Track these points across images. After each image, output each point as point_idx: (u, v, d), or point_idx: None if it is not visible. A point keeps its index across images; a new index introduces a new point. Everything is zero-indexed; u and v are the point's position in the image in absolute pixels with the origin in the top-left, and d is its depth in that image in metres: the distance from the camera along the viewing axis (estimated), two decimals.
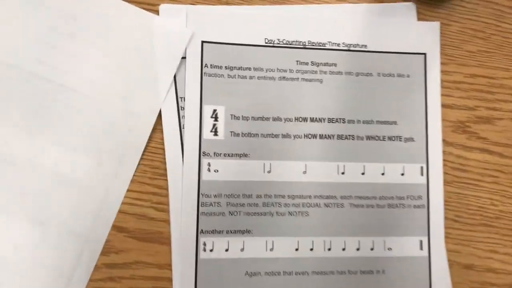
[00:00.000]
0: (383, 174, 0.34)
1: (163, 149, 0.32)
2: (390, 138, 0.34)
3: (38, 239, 0.30)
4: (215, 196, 0.32)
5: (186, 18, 0.33)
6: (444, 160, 0.35)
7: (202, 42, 0.33)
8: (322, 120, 0.34)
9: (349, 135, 0.34)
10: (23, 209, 0.30)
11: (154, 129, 0.32)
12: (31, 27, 0.31)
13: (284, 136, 0.33)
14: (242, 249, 0.32)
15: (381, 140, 0.34)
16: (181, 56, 0.33)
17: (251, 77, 0.33)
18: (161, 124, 0.32)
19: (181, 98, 0.33)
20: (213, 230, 0.32)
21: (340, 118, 0.34)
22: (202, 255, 0.31)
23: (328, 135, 0.34)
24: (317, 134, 0.34)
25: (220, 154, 0.32)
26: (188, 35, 0.33)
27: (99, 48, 0.32)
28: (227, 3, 0.35)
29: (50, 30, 0.31)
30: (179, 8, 0.33)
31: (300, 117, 0.34)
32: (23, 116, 0.31)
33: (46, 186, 0.30)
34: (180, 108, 0.33)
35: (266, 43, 0.34)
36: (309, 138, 0.34)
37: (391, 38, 0.35)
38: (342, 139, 0.34)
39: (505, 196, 0.35)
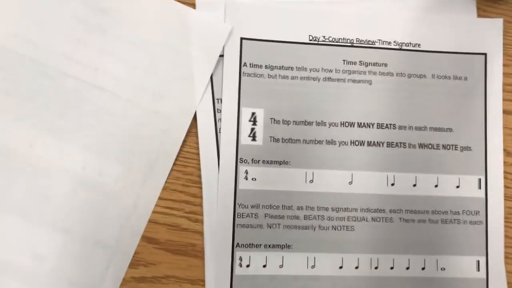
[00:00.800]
0: (436, 186, 0.31)
1: (198, 154, 0.30)
2: (444, 147, 0.32)
3: (61, 249, 0.28)
4: (252, 206, 0.30)
5: (224, 12, 0.31)
6: (505, 172, 0.32)
7: (241, 38, 0.31)
8: (371, 126, 0.32)
9: (400, 143, 0.32)
10: (46, 215, 0.29)
11: (188, 133, 0.31)
12: (57, 20, 0.30)
13: (328, 142, 0.31)
14: (281, 265, 0.30)
15: (435, 148, 0.32)
16: (218, 54, 0.31)
17: (293, 77, 0.31)
18: (196, 128, 0.31)
19: (217, 99, 0.31)
20: (250, 244, 0.30)
21: (390, 124, 0.32)
22: (238, 270, 0.29)
23: (377, 142, 0.31)
24: (365, 141, 0.31)
25: (259, 161, 0.30)
26: (226, 31, 0.31)
27: (131, 44, 0.30)
28: None
29: (77, 24, 0.30)
30: (218, 2, 0.32)
31: (347, 122, 0.31)
32: (48, 116, 0.29)
33: (71, 191, 0.29)
34: (216, 110, 0.31)
35: (310, 40, 0.32)
36: (356, 145, 0.31)
37: (448, 37, 0.33)
38: (392, 146, 0.31)
39: None
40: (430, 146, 0.32)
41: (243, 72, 0.31)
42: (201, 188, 0.30)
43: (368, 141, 0.32)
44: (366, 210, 0.31)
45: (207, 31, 0.31)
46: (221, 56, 0.31)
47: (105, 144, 0.29)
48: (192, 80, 0.30)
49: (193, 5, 0.32)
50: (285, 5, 0.32)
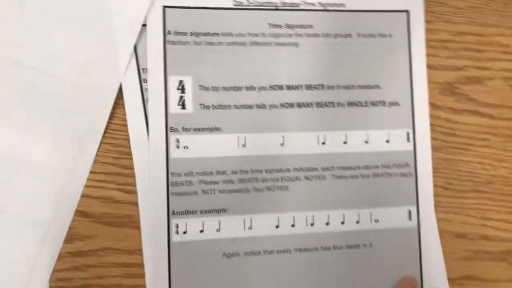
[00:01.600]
0: (366, 142, 0.33)
1: (127, 126, 0.31)
2: (373, 103, 0.34)
3: None
4: (186, 174, 0.31)
5: None
6: (431, 124, 0.35)
7: (164, 7, 0.32)
8: (300, 87, 0.33)
9: (329, 102, 0.33)
10: None
11: (116, 105, 0.31)
12: None
13: (258, 106, 0.32)
14: (218, 229, 0.31)
15: (363, 105, 0.33)
16: (141, 24, 0.31)
17: (219, 43, 0.32)
18: (123, 99, 0.31)
19: (143, 69, 0.32)
20: (185, 211, 0.31)
21: (318, 84, 0.33)
22: (175, 237, 0.31)
23: (307, 103, 0.33)
24: (294, 103, 0.33)
25: (189, 129, 0.31)
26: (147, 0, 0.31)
27: (51, 17, 0.30)
28: None
29: None
30: None
31: (276, 85, 0.33)
32: None
33: (2, 169, 0.29)
34: (142, 80, 0.31)
35: (234, 5, 0.33)
36: (286, 107, 0.33)
37: None
38: (321, 106, 0.33)
39: (497, 159, 0.35)
40: (358, 103, 0.34)
41: (168, 40, 0.32)
42: (132, 159, 0.31)
43: (297, 103, 0.33)
44: (299, 169, 0.32)
45: (128, 1, 0.31)
46: (144, 25, 0.32)
47: (31, 120, 0.30)
48: (116, 51, 0.31)
49: None
50: None
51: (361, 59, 0.34)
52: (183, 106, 0.31)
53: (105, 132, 0.31)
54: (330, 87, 0.33)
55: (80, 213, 0.30)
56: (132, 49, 0.31)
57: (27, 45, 0.30)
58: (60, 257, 0.30)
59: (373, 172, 0.33)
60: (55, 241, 0.30)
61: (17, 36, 0.30)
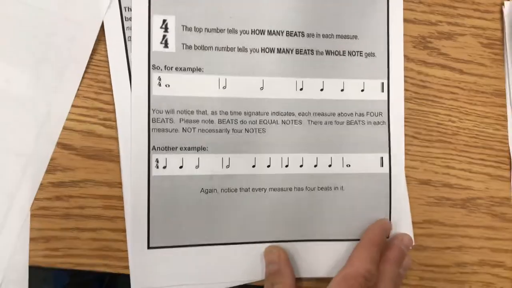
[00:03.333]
0: (342, 90, 0.37)
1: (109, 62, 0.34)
2: (350, 53, 0.37)
3: None
4: (167, 112, 0.34)
5: None
6: (404, 76, 0.39)
7: None
8: (280, 33, 0.36)
9: (308, 50, 0.37)
10: None
11: (98, 41, 0.34)
12: None
13: (240, 49, 0.36)
14: (197, 166, 0.35)
15: (341, 55, 0.37)
16: None
17: None
18: (105, 36, 0.34)
19: (125, 7, 0.34)
20: (166, 147, 0.34)
21: (299, 32, 0.37)
22: (155, 172, 0.34)
23: (287, 49, 0.37)
24: (274, 48, 0.36)
25: (172, 68, 0.35)
26: None
27: None
28: None
29: None
30: None
31: (257, 30, 0.36)
32: None
33: None
34: (124, 18, 0.34)
35: None
36: (267, 52, 0.36)
37: None
38: (301, 53, 0.37)
39: (463, 112, 0.40)
40: (336, 52, 0.37)
41: None
42: (113, 95, 0.34)
43: (278, 48, 0.37)
44: (277, 113, 0.36)
45: None
46: None
47: (13, 52, 0.32)
48: None
49: None
50: None
51: (341, 10, 0.37)
52: (166, 45, 0.35)
53: (87, 67, 0.34)
54: (310, 35, 0.37)
55: (62, 145, 0.33)
56: None
57: None
58: (42, 186, 0.33)
59: (347, 119, 0.37)
60: (36, 170, 0.33)
61: None
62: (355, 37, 0.37)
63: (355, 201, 0.37)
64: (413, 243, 0.37)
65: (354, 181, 0.37)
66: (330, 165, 0.36)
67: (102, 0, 0.33)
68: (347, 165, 0.37)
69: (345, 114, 0.37)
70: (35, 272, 0.32)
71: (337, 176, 0.37)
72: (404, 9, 0.39)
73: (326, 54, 0.37)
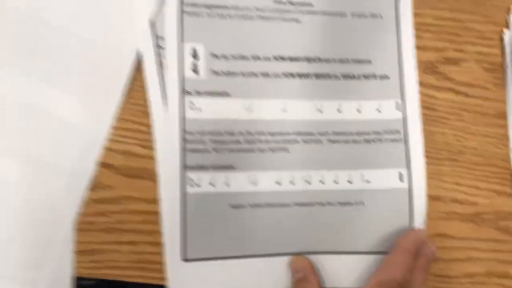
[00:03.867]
0: (359, 111, 0.42)
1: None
2: (365, 76, 0.43)
3: (26, 175, 0.36)
4: (199, 133, 0.39)
5: None
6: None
7: None
8: (300, 59, 0.41)
9: (326, 74, 0.42)
10: (10, 145, 0.36)
11: (137, 68, 0.39)
12: None
13: (263, 75, 0.41)
14: (227, 184, 0.40)
15: (356, 78, 0.43)
16: None
17: (229, 16, 0.40)
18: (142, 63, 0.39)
19: (159, 37, 0.39)
20: (198, 166, 0.39)
21: (317, 57, 0.42)
22: (189, 189, 0.39)
23: (306, 74, 0.42)
24: (295, 73, 0.42)
25: (202, 92, 0.40)
26: None
27: None
28: None
29: None
30: None
31: (279, 56, 0.41)
32: (5, 52, 0.36)
33: (33, 123, 0.36)
34: (159, 47, 0.39)
35: None
36: (288, 77, 0.41)
37: None
38: (319, 78, 0.42)
39: (468, 132, 0.45)
40: (352, 76, 0.43)
41: (184, 11, 0.40)
42: (152, 118, 0.39)
43: (298, 73, 0.42)
44: (298, 133, 0.41)
45: None
46: None
47: (60, 78, 0.37)
48: (134, 18, 0.39)
49: None
50: None
51: (354, 36, 0.43)
52: (196, 72, 0.40)
53: (126, 92, 0.39)
54: (327, 60, 0.42)
55: (103, 164, 0.38)
56: (148, 18, 0.39)
57: (59, 8, 0.37)
58: (85, 203, 0.37)
59: (365, 137, 0.42)
60: (80, 189, 0.37)
61: (50, 0, 0.37)
62: (369, 61, 0.42)
63: (376, 215, 0.41)
64: None
65: (374, 196, 0.41)
66: (349, 181, 0.41)
67: (139, 32, 0.38)
68: (366, 181, 0.41)
69: (363, 133, 0.41)
70: (79, 283, 0.36)
71: (357, 192, 0.41)
72: (415, 36, 0.44)
73: (342, 77, 0.42)
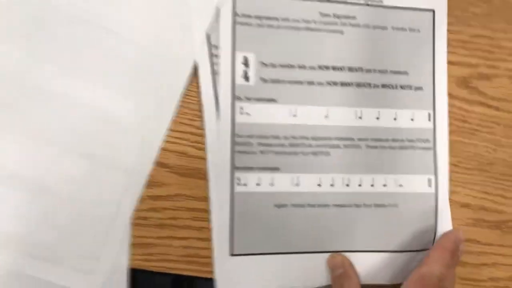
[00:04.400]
0: (395, 119, 0.45)
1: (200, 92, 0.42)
2: (402, 87, 0.45)
3: (89, 172, 0.39)
4: (247, 136, 0.42)
5: None
6: (448, 111, 0.47)
7: None
8: (343, 69, 0.44)
9: (367, 83, 0.45)
10: (76, 144, 0.39)
11: (192, 74, 0.42)
12: None
13: (308, 83, 0.44)
14: (272, 184, 0.42)
15: (394, 88, 0.45)
16: (214, 6, 0.42)
17: (278, 27, 0.43)
18: (196, 70, 0.42)
19: (213, 45, 0.42)
20: (246, 167, 0.42)
21: (358, 67, 0.45)
22: (237, 188, 0.42)
23: (348, 83, 0.44)
24: (338, 82, 0.44)
25: (251, 98, 0.42)
26: None
27: None
28: None
29: None
30: None
31: (323, 66, 0.44)
32: (70, 57, 0.39)
33: (95, 124, 0.39)
34: (212, 55, 0.42)
35: None
36: (331, 85, 0.44)
37: None
38: (360, 86, 0.45)
39: (498, 144, 0.48)
40: (390, 86, 0.45)
41: (237, 22, 0.43)
42: (203, 121, 0.42)
43: (341, 82, 0.44)
44: (339, 138, 0.44)
45: None
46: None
47: (120, 82, 0.39)
48: (191, 28, 0.42)
49: None
50: None
51: (393, 49, 0.45)
52: (247, 79, 0.43)
53: (182, 97, 0.41)
54: (368, 71, 0.45)
55: (159, 163, 0.41)
56: (206, 27, 0.42)
57: (117, 16, 0.40)
58: (141, 199, 0.40)
59: (400, 144, 0.45)
60: (137, 185, 0.40)
61: (107, 7, 0.40)
62: (406, 72, 0.45)
63: (407, 216, 0.44)
64: None
65: (405, 199, 0.44)
66: (385, 185, 0.44)
67: (195, 40, 0.41)
68: (399, 185, 0.44)
69: (398, 140, 0.44)
70: (134, 274, 0.39)
71: (391, 195, 0.44)
72: (448, 52, 0.47)
73: (381, 87, 0.45)
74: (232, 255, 0.40)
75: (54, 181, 0.38)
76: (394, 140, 0.44)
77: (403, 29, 0.45)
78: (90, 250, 0.38)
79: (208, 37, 0.41)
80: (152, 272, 0.39)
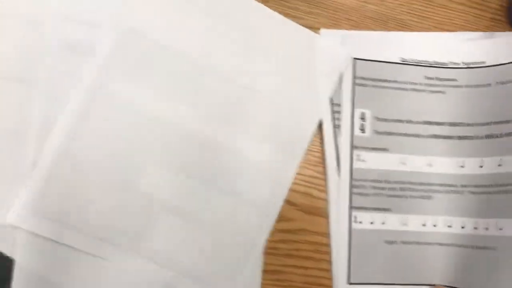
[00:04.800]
0: (500, 165, 0.50)
1: (324, 143, 0.50)
2: (507, 134, 0.50)
3: (230, 206, 0.47)
4: (363, 180, 0.49)
5: (341, 40, 0.51)
6: None
7: (354, 58, 0.51)
8: (445, 124, 0.51)
9: (469, 136, 0.51)
10: (221, 182, 0.47)
11: (319, 127, 0.50)
12: (232, 40, 0.49)
13: (414, 135, 0.50)
14: (383, 223, 0.49)
15: (498, 137, 0.51)
16: (339, 71, 0.50)
17: (390, 88, 0.51)
18: (320, 124, 0.50)
19: (335, 103, 0.50)
20: (361, 207, 0.49)
21: (460, 122, 0.51)
22: (354, 225, 0.49)
23: (450, 136, 0.51)
24: (440, 135, 0.51)
25: (367, 147, 0.50)
26: (344, 54, 0.50)
27: (279, 62, 0.50)
28: (371, 29, 0.52)
29: (244, 44, 0.49)
30: (336, 32, 0.51)
31: (427, 121, 0.51)
32: (223, 111, 0.48)
33: (238, 165, 0.47)
34: (334, 112, 0.50)
35: (401, 61, 0.52)
36: (434, 137, 0.51)
37: (506, 51, 0.51)
38: (462, 139, 0.51)
39: None
40: (494, 135, 0.50)
41: (356, 83, 0.50)
42: (325, 167, 0.49)
43: (443, 135, 0.51)
44: (442, 185, 0.50)
45: (329, 54, 0.50)
46: None
47: (260, 132, 0.48)
48: (319, 89, 0.50)
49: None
50: (384, 35, 0.52)
51: (497, 101, 0.50)
52: (363, 131, 0.50)
53: (309, 146, 0.49)
54: (470, 125, 0.51)
55: (287, 202, 0.48)
56: (331, 90, 0.50)
57: (259, 78, 0.49)
58: (272, 232, 0.48)
59: (504, 189, 0.49)
60: (269, 220, 0.48)
61: (253, 72, 0.49)
62: (510, 121, 0.50)
63: (505, 260, 0.48)
64: None
65: (505, 242, 0.48)
66: (486, 228, 0.49)
67: (321, 98, 0.49)
68: (499, 229, 0.49)
69: (502, 185, 0.48)
70: None
71: (492, 238, 0.48)
72: None
73: (485, 137, 0.50)
74: (350, 283, 0.47)
75: (204, 213, 0.46)
76: (497, 185, 0.48)
77: (508, 81, 0.50)
78: (229, 273, 0.46)
79: (331, 98, 0.49)
80: None
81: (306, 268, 0.47)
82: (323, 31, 0.50)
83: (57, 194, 0.44)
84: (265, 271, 0.47)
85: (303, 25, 0.50)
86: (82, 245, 0.44)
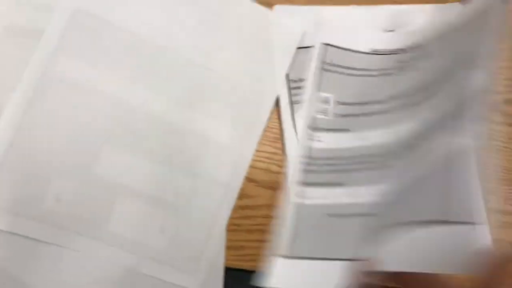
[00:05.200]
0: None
1: (282, 120, 0.50)
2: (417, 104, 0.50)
3: (193, 187, 0.47)
4: (317, 159, 0.50)
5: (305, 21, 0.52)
6: None
7: (325, 44, 0.51)
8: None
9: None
10: (182, 163, 0.47)
11: (276, 104, 0.50)
12: (188, 20, 0.48)
13: (375, 114, 0.52)
14: (333, 197, 0.50)
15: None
16: (294, 46, 0.51)
17: (355, 75, 0.52)
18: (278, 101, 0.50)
19: (292, 80, 0.51)
20: (312, 183, 0.49)
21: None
22: (299, 200, 0.49)
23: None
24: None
25: (328, 129, 0.50)
26: (298, 29, 0.51)
27: (234, 40, 0.50)
28: (325, 4, 0.53)
29: (200, 23, 0.49)
30: (290, 8, 0.51)
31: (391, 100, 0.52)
32: (182, 92, 0.48)
33: (199, 146, 0.48)
34: (290, 88, 0.51)
35: (370, 51, 0.52)
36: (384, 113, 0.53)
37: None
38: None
39: None
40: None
41: (324, 68, 0.51)
42: (284, 144, 0.50)
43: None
44: (394, 154, 0.53)
45: (284, 31, 0.51)
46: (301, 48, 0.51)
47: (219, 111, 0.48)
48: (274, 67, 0.50)
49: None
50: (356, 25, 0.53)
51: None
52: (326, 114, 0.51)
53: (268, 123, 0.50)
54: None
55: (248, 179, 0.49)
56: (287, 67, 0.50)
57: (219, 59, 0.49)
58: (234, 208, 0.49)
59: None
60: (231, 197, 0.48)
61: (213, 51, 0.49)
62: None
63: None
64: None
65: None
66: None
67: (278, 76, 0.49)
68: None
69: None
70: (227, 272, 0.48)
71: None
72: None
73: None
74: (287, 257, 0.48)
75: (166, 195, 0.46)
76: None
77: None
78: (193, 253, 0.46)
79: (287, 76, 0.50)
80: (243, 270, 0.47)
81: (269, 241, 0.48)
82: (277, 7, 0.50)
83: (10, 184, 0.43)
84: (228, 248, 0.47)
85: (259, 3, 0.50)
86: (39, 234, 0.43)
